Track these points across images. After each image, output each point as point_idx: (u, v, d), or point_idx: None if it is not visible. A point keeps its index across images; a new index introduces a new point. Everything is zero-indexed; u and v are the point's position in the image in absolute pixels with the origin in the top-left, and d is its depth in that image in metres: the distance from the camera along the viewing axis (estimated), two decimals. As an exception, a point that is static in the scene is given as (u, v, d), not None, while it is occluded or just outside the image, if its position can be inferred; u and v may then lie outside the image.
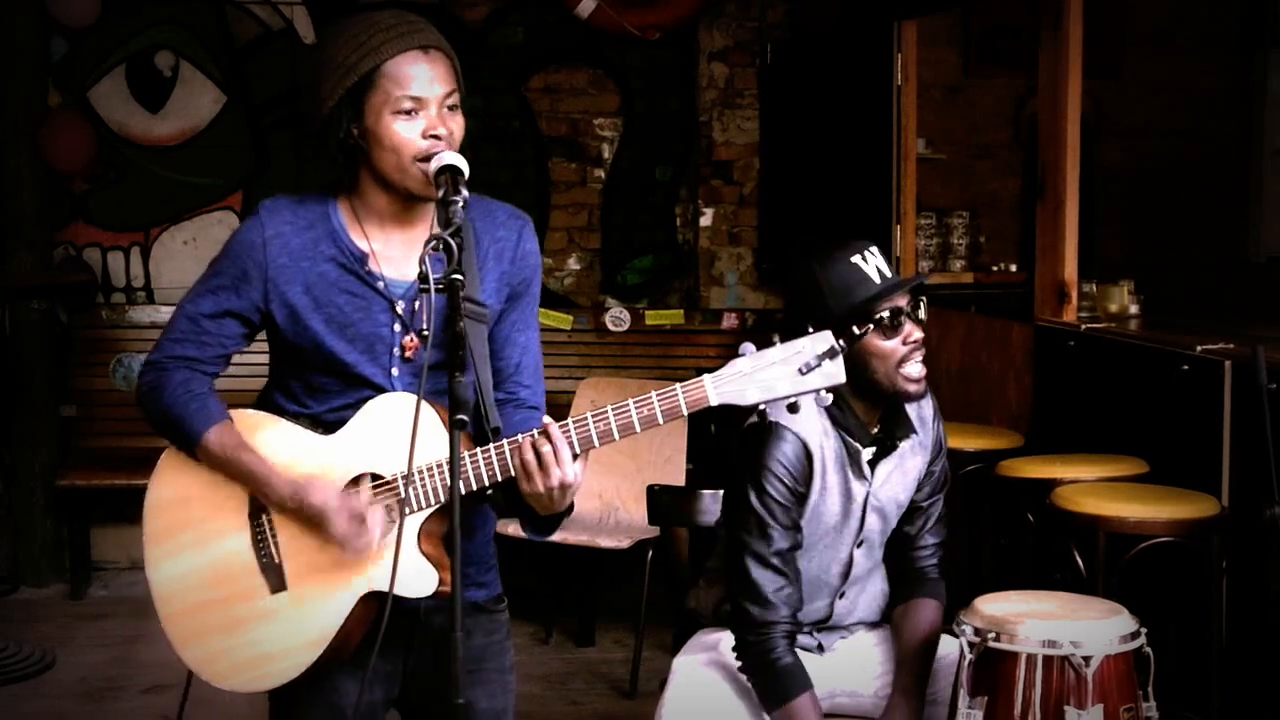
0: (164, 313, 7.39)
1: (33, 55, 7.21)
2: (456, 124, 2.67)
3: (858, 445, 3.38)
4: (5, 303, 7.01)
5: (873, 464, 3.42)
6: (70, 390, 7.34)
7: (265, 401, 2.83)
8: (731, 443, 3.47)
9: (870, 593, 3.60)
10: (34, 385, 7.16)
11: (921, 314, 3.36)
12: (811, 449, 3.34)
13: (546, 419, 2.58)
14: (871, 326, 3.27)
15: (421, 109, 2.64)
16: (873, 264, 3.30)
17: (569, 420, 2.58)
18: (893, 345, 3.29)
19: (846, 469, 3.38)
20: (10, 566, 7.25)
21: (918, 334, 3.32)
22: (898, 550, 3.58)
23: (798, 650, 3.42)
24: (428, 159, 2.62)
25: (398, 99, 2.63)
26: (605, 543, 5.95)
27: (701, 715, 3.43)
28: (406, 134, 2.64)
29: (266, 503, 2.71)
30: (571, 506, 2.68)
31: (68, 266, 7.45)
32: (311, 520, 2.65)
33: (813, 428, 3.34)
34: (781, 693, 3.30)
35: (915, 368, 3.32)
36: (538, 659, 6.04)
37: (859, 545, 3.48)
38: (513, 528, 2.95)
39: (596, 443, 2.57)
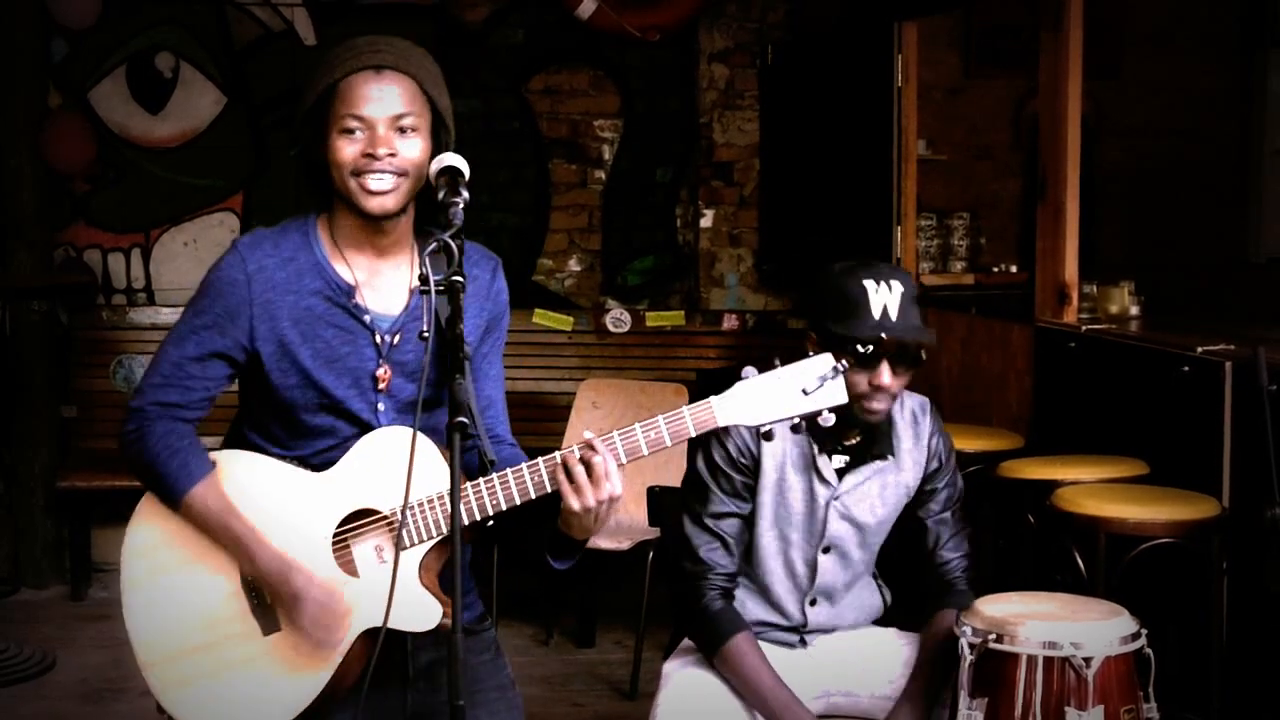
0: (164, 314, 7.40)
1: (33, 56, 7.21)
2: (409, 145, 2.66)
3: (816, 448, 3.41)
4: (5, 303, 7.01)
5: (842, 472, 3.44)
6: (71, 391, 7.34)
7: (239, 441, 2.80)
8: None
9: (854, 605, 3.61)
10: (34, 386, 7.16)
11: (910, 366, 3.32)
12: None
13: (588, 433, 2.58)
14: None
15: (366, 128, 2.64)
16: (882, 298, 3.26)
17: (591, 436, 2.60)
18: (856, 379, 3.25)
19: (810, 470, 3.42)
20: (10, 567, 7.25)
21: (887, 379, 3.27)
22: (924, 567, 3.58)
23: (776, 646, 3.49)
24: (361, 174, 2.63)
25: (342, 117, 2.65)
26: (605, 544, 5.94)
27: (694, 715, 3.43)
28: (346, 152, 2.64)
29: (247, 571, 2.67)
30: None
31: (68, 267, 7.45)
32: (281, 598, 2.64)
33: None
34: (717, 636, 3.37)
35: (875, 406, 3.31)
36: (538, 660, 6.04)
37: (825, 550, 3.49)
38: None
39: (624, 459, 2.58)
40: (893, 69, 6.55)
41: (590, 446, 2.55)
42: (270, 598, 2.67)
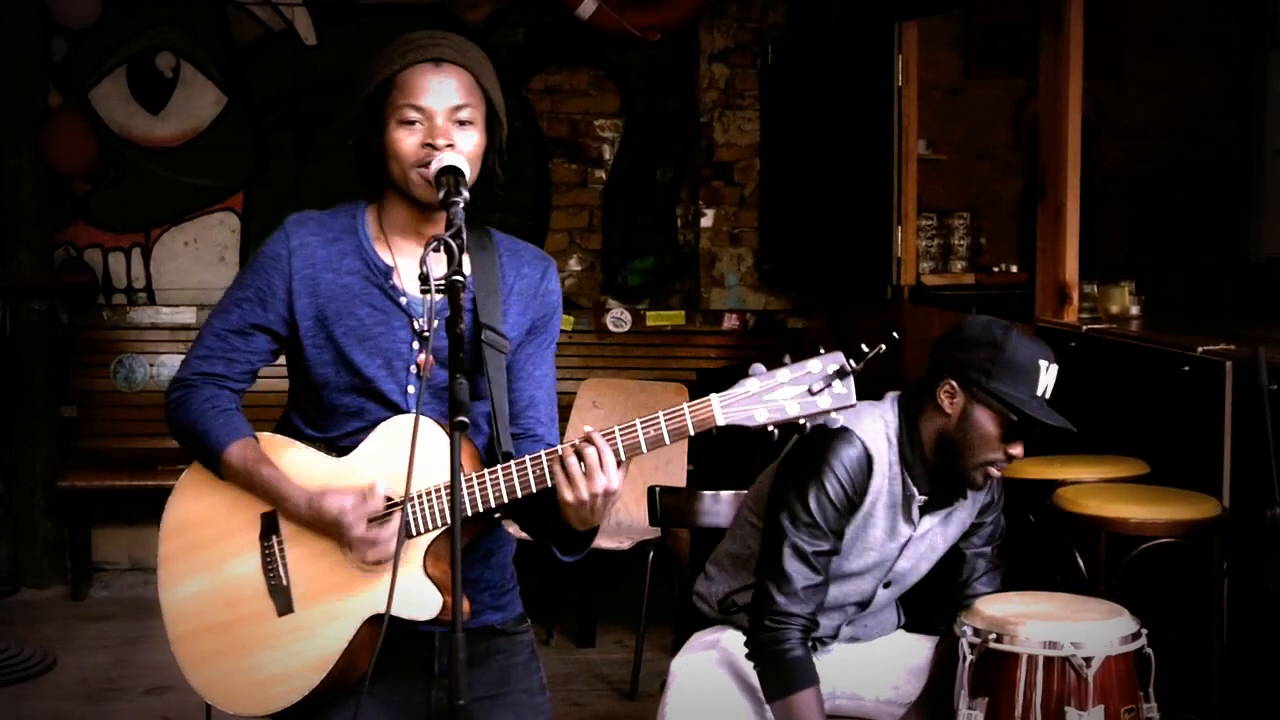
0: (165, 314, 7.40)
1: (33, 56, 7.21)
2: (466, 138, 2.68)
3: (914, 489, 3.38)
4: (6, 303, 7.02)
5: (923, 511, 3.42)
6: (71, 391, 7.34)
7: (284, 426, 2.84)
8: (798, 438, 3.45)
9: (877, 624, 3.63)
10: (35, 386, 7.16)
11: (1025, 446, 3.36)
12: (875, 462, 3.35)
13: (588, 427, 2.56)
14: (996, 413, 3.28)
15: (425, 119, 2.66)
16: (1046, 380, 3.30)
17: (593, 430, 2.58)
18: (999, 441, 3.29)
19: (897, 508, 3.39)
20: (11, 567, 7.25)
21: (1019, 452, 3.33)
22: (952, 594, 3.57)
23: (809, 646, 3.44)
24: (425, 166, 2.64)
25: (402, 108, 2.67)
26: (606, 544, 5.94)
27: (703, 714, 3.43)
28: (406, 143, 2.66)
29: (284, 516, 2.70)
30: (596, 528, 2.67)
31: (68, 267, 7.45)
32: (327, 529, 2.65)
33: (880, 448, 3.36)
34: (787, 684, 3.30)
35: (996, 472, 3.35)
36: (538, 660, 6.03)
37: (886, 585, 3.50)
38: (513, 528, 2.93)
39: (624, 455, 2.55)
40: (893, 69, 6.54)
41: (588, 440, 2.55)
42: (287, 561, 2.70)
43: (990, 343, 3.29)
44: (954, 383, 3.31)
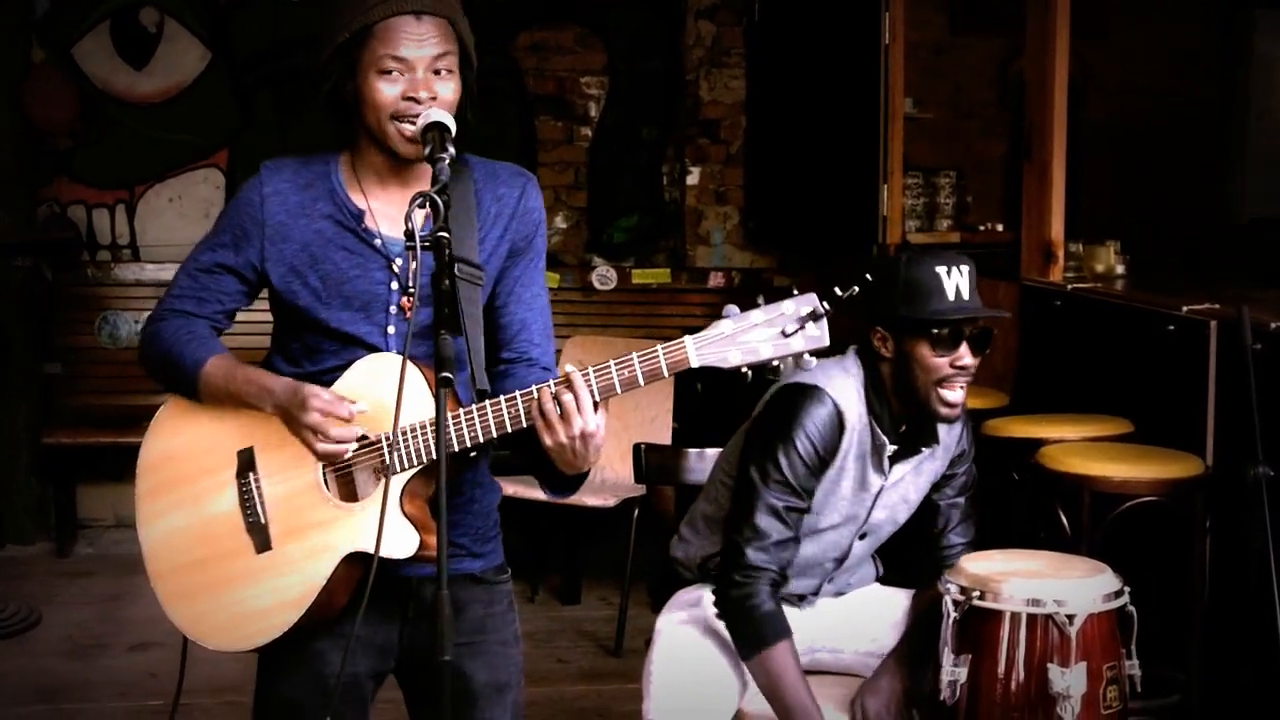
0: (149, 270, 7.38)
1: (15, 11, 7.17)
2: (446, 87, 2.66)
3: (884, 439, 3.39)
4: (-11, 260, 6.99)
5: (893, 460, 3.43)
6: (55, 348, 7.32)
7: (267, 366, 2.83)
8: (767, 396, 3.46)
9: (859, 575, 3.64)
10: (18, 343, 7.14)
11: (984, 347, 3.36)
12: (847, 421, 3.35)
13: (570, 367, 2.54)
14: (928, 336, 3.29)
15: (406, 70, 2.64)
16: (954, 281, 3.31)
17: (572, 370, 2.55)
18: (938, 362, 3.30)
19: (867, 459, 3.40)
20: (-5, 524, 7.25)
21: (968, 360, 3.31)
22: (924, 548, 3.59)
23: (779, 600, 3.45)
24: (402, 119, 2.63)
25: (382, 58, 2.64)
26: (591, 501, 5.96)
27: (687, 677, 3.43)
28: (386, 94, 2.64)
29: (269, 407, 2.68)
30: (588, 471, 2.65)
31: (52, 224, 7.42)
32: (294, 407, 2.62)
33: (851, 403, 3.37)
34: (760, 639, 3.30)
35: (954, 393, 3.33)
36: (523, 617, 5.88)
37: (861, 537, 3.51)
38: (511, 488, 2.93)
39: (598, 396, 2.53)
40: (880, 26, 6.52)
41: (566, 382, 2.53)
42: (265, 498, 2.70)
43: (889, 277, 3.34)
44: (879, 327, 3.36)
